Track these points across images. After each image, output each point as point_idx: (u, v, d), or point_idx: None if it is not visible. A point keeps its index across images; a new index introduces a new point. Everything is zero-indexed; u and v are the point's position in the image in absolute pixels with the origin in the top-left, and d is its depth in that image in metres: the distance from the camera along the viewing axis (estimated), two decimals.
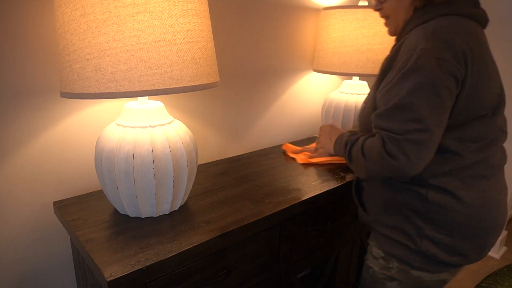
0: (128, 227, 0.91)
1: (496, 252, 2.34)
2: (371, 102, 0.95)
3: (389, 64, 0.90)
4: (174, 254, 0.81)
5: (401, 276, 0.98)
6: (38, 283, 1.09)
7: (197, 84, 0.84)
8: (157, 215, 0.96)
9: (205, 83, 0.87)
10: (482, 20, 0.89)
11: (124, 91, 0.77)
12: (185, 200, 1.02)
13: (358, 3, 1.68)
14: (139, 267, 0.76)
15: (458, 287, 2.07)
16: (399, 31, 0.96)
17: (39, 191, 1.04)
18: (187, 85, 0.82)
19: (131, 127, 0.90)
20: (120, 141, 0.87)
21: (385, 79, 0.89)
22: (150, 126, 0.90)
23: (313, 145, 1.47)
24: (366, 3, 1.50)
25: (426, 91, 0.79)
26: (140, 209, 0.93)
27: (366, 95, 1.10)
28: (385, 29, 1.38)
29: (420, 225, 0.92)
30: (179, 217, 0.96)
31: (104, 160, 0.88)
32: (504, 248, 2.41)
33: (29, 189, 1.02)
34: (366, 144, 0.90)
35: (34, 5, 0.94)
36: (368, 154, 0.89)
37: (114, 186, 0.90)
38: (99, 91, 0.77)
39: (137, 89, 0.77)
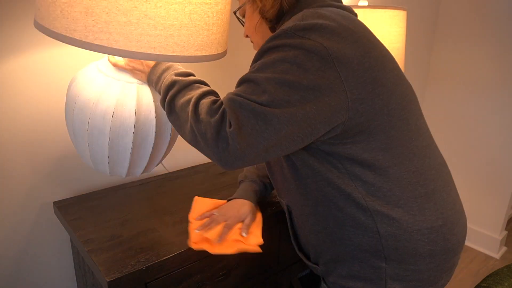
0: (129, 227, 0.91)
1: (496, 252, 2.34)
2: None
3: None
4: (174, 254, 0.81)
5: None
6: (38, 283, 1.09)
7: (204, 54, 0.72)
8: (126, 177, 0.89)
9: (213, 53, 0.74)
10: (351, 11, 0.81)
11: (118, 48, 0.63)
12: (157, 165, 0.94)
13: (358, 3, 1.68)
14: (139, 267, 0.76)
15: (458, 287, 2.07)
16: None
17: (39, 191, 1.04)
18: (192, 54, 0.70)
19: (115, 78, 0.78)
20: (100, 94, 0.76)
21: None
22: (137, 83, 0.80)
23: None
24: (366, 3, 1.51)
25: (273, 66, 0.68)
26: (109, 168, 0.83)
27: None
28: (385, 29, 1.39)
29: (381, 267, 0.76)
30: (179, 217, 0.96)
31: (77, 110, 0.77)
32: (504, 248, 2.41)
33: (29, 189, 1.02)
34: (205, 101, 0.69)
35: None
36: (200, 109, 0.68)
37: (84, 141, 0.79)
38: (87, 40, 0.62)
39: (134, 49, 0.64)
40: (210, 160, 1.43)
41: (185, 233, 0.89)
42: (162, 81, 0.76)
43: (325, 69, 0.66)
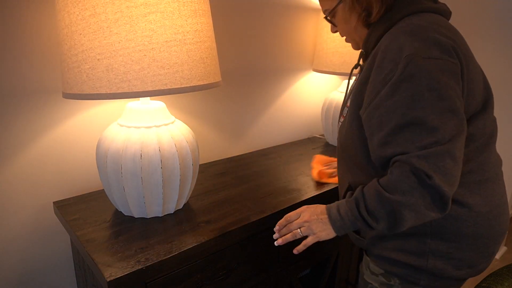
0: (129, 227, 0.91)
1: None
2: (351, 120, 0.84)
3: (366, 74, 0.80)
4: (174, 254, 0.81)
5: None
6: (38, 283, 1.09)
7: (205, 83, 0.85)
8: (163, 215, 0.96)
9: (212, 82, 0.88)
10: (446, 13, 0.83)
11: (137, 91, 0.77)
12: (188, 198, 1.02)
13: None
14: (139, 267, 0.76)
15: None
16: (364, 42, 0.87)
17: (39, 191, 1.04)
18: (196, 84, 0.83)
19: (135, 127, 0.90)
20: (126, 142, 0.87)
21: (366, 92, 0.79)
22: (155, 126, 0.90)
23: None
24: None
25: (426, 99, 0.69)
26: (147, 209, 0.93)
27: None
28: None
29: (426, 242, 0.82)
30: (180, 217, 0.96)
31: (110, 161, 0.88)
32: (504, 248, 2.41)
33: (29, 189, 1.02)
34: (384, 182, 0.74)
35: (34, 6, 0.94)
36: (397, 188, 0.71)
37: (121, 187, 0.89)
38: (111, 92, 0.76)
39: (150, 88, 0.77)
40: (210, 160, 1.43)
41: (185, 234, 0.89)
42: (346, 215, 0.80)
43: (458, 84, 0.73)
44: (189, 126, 1.32)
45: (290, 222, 0.87)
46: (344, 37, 0.94)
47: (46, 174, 1.04)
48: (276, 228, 0.88)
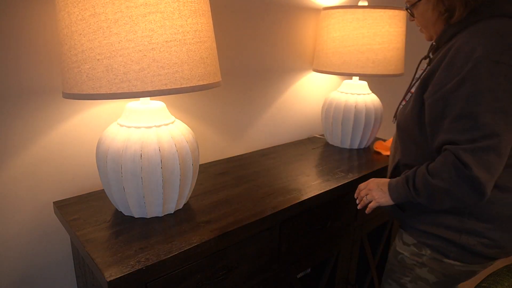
0: (129, 227, 0.91)
1: None
2: (414, 104, 0.93)
3: (436, 66, 0.87)
4: (174, 254, 0.81)
5: (433, 264, 0.97)
6: (38, 283, 1.09)
7: (205, 83, 0.85)
8: (163, 215, 0.96)
9: (212, 82, 0.88)
10: None
11: (137, 91, 0.77)
12: (188, 199, 1.02)
13: (358, 3, 1.68)
14: (139, 267, 0.76)
15: (458, 287, 2.07)
16: (439, 36, 0.94)
17: (39, 191, 1.04)
18: (196, 84, 0.83)
19: (135, 127, 0.90)
20: (126, 142, 0.87)
21: (433, 81, 0.87)
22: (155, 126, 0.90)
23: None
24: (366, 3, 1.50)
25: (484, 98, 0.78)
26: (147, 209, 0.93)
27: (405, 99, 1.03)
28: (385, 29, 1.39)
29: (463, 221, 0.91)
30: (179, 217, 0.96)
31: (110, 161, 0.88)
32: None
33: (29, 189, 1.02)
34: (431, 167, 0.86)
35: (35, 6, 0.94)
36: (438, 174, 0.83)
37: (121, 187, 0.89)
38: (111, 92, 0.76)
39: (150, 89, 0.77)
40: (210, 160, 1.43)
41: (185, 234, 0.89)
42: (399, 187, 0.94)
43: None
44: (189, 126, 1.32)
45: (360, 190, 1.07)
46: (419, 28, 1.00)
47: (46, 174, 1.04)
48: (355, 196, 1.09)
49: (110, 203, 1.03)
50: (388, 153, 1.49)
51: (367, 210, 1.03)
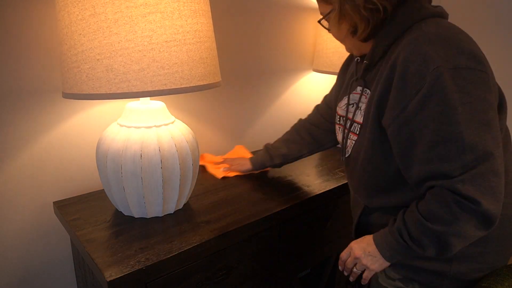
0: (129, 227, 0.91)
1: None
2: (372, 135, 0.80)
3: (385, 87, 0.75)
4: (174, 254, 0.81)
5: None
6: (38, 282, 1.09)
7: (205, 83, 0.85)
8: (163, 215, 0.96)
9: (212, 82, 0.88)
10: (447, 17, 0.80)
11: (137, 91, 0.77)
12: (188, 198, 1.02)
13: None
14: (139, 267, 0.76)
15: None
16: (371, 53, 0.81)
17: (39, 191, 1.04)
18: (196, 84, 0.83)
19: (135, 127, 0.90)
20: (126, 142, 0.87)
21: (388, 105, 0.75)
22: (155, 126, 0.90)
23: (231, 156, 1.38)
24: None
25: (459, 113, 0.66)
26: (147, 209, 0.93)
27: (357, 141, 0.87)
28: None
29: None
30: (179, 217, 0.96)
31: (110, 161, 0.88)
32: None
33: (29, 189, 1.02)
34: (423, 211, 0.72)
35: (35, 6, 0.94)
36: (438, 218, 0.70)
37: (121, 187, 0.89)
38: (111, 92, 0.76)
39: (150, 89, 0.77)
40: None
41: (185, 234, 0.89)
42: (392, 244, 0.78)
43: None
44: (189, 126, 1.32)
45: (344, 262, 0.89)
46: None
47: (46, 174, 1.04)
48: (340, 269, 0.92)
49: (110, 203, 1.03)
50: (218, 172, 1.25)
51: (364, 281, 0.86)
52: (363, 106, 0.85)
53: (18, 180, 1.00)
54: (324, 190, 1.15)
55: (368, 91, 0.84)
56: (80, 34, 0.75)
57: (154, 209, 0.94)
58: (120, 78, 0.76)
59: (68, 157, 1.08)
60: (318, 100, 1.79)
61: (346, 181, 1.22)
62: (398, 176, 0.80)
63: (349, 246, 0.88)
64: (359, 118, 0.86)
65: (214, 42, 0.90)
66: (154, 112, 0.92)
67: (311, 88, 1.73)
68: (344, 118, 0.93)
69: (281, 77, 1.58)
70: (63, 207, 1.00)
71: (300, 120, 1.24)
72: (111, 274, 0.73)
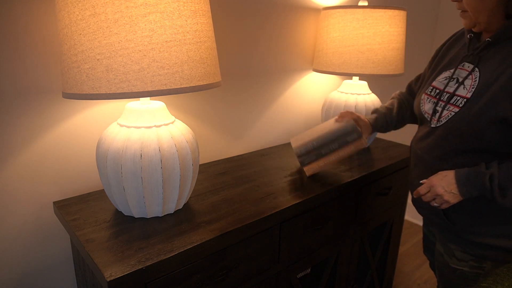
0: (129, 227, 0.91)
1: None
2: (490, 118, 0.84)
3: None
4: (174, 254, 0.81)
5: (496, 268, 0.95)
6: (38, 283, 1.09)
7: (205, 83, 0.85)
8: (163, 215, 0.97)
9: (212, 82, 0.88)
10: None
11: (137, 91, 0.77)
12: (187, 199, 1.02)
13: (358, 3, 1.68)
14: (139, 267, 0.76)
15: None
16: (500, 31, 0.84)
17: (39, 191, 1.04)
18: (196, 84, 0.83)
19: (135, 127, 0.90)
20: (126, 142, 0.87)
21: None
22: (155, 126, 0.90)
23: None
24: (366, 3, 1.50)
25: None
26: (147, 209, 0.93)
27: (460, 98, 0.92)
28: (385, 29, 1.39)
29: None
30: (179, 217, 0.96)
31: (110, 161, 0.88)
32: None
33: (29, 189, 1.02)
34: None
35: (35, 5, 0.94)
36: None
37: (121, 187, 0.90)
38: (111, 92, 0.76)
39: (150, 89, 0.77)
40: (210, 160, 1.43)
41: (185, 234, 0.89)
42: (476, 185, 0.87)
43: None
44: (189, 126, 1.32)
45: (422, 195, 0.95)
46: (460, 11, 0.90)
47: (46, 174, 1.04)
48: (415, 196, 0.98)
49: (110, 203, 1.03)
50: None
51: (443, 207, 0.94)
52: (468, 82, 0.89)
53: (18, 180, 1.00)
54: (324, 190, 1.15)
55: (476, 69, 0.88)
56: (80, 34, 0.75)
57: (154, 209, 0.94)
58: (120, 78, 0.76)
59: (68, 157, 1.08)
60: (319, 100, 1.79)
61: (345, 182, 1.22)
62: (495, 144, 0.86)
63: (428, 182, 0.94)
64: (464, 92, 0.90)
65: (214, 42, 0.90)
66: (154, 112, 0.92)
67: (311, 88, 1.73)
68: (440, 91, 0.97)
69: (281, 77, 1.58)
70: (63, 207, 1.00)
71: (401, 93, 1.30)
72: (111, 274, 0.73)
